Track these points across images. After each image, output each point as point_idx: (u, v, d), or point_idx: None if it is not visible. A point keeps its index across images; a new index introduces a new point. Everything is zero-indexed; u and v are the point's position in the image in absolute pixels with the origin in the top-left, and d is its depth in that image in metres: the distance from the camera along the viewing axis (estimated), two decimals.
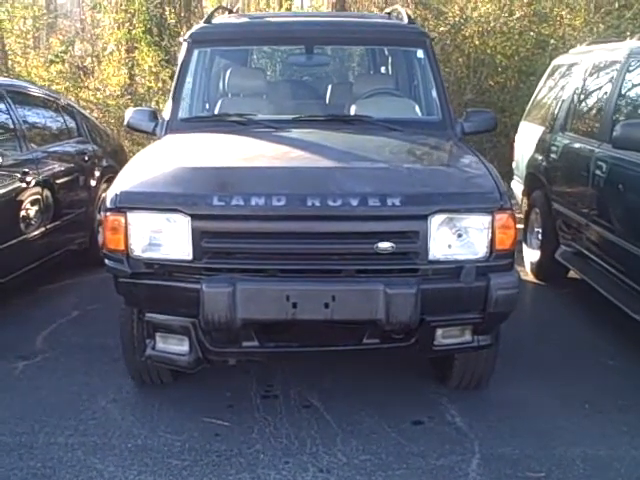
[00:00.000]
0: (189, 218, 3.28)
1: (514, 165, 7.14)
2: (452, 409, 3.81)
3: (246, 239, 3.32)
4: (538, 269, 6.06)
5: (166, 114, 4.55)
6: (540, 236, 6.09)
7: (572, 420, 3.70)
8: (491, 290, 3.36)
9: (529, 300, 5.59)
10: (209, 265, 3.32)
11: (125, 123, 4.70)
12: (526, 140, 6.76)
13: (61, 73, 12.08)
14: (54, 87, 11.77)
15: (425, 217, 3.32)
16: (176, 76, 4.73)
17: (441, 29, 10.64)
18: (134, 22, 12.30)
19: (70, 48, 12.72)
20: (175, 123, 4.48)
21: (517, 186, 6.88)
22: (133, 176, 3.57)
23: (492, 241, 3.40)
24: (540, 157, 6.16)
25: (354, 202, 3.28)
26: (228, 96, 5.25)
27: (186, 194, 3.36)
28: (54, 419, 3.65)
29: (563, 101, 6.06)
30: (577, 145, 5.46)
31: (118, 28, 12.54)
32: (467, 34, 10.62)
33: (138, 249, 3.38)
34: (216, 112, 4.72)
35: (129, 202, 3.38)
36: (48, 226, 5.47)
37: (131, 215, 3.36)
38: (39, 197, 5.35)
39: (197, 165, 3.64)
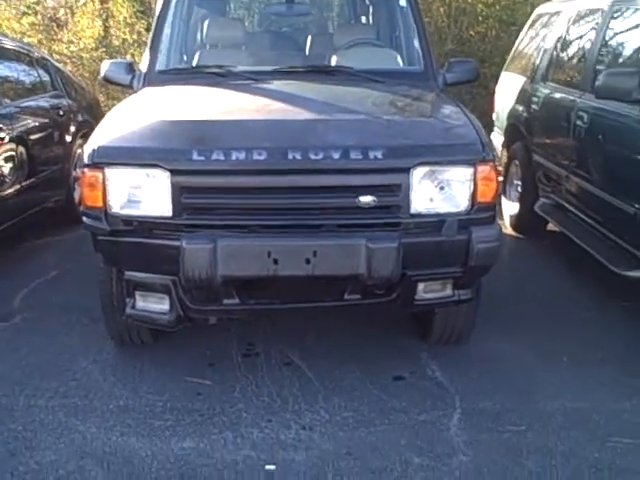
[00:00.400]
0: (169, 173, 3.20)
1: (494, 116, 7.07)
2: (433, 364, 3.81)
3: (227, 194, 3.25)
4: (517, 222, 6.05)
5: (143, 66, 4.43)
6: (519, 189, 6.06)
7: (552, 374, 3.72)
8: (472, 243, 3.32)
9: (508, 254, 5.56)
10: (189, 222, 3.26)
11: (101, 76, 4.58)
12: (507, 91, 6.69)
13: (34, 25, 11.79)
14: (26, 40, 11.51)
15: (407, 170, 3.26)
16: (153, 26, 4.60)
17: None
18: None
19: None
20: (153, 75, 4.36)
21: (497, 138, 6.83)
22: (110, 131, 3.47)
23: (474, 194, 3.35)
24: (521, 108, 6.11)
25: (336, 155, 3.22)
26: (206, 47, 5.13)
27: (165, 149, 3.27)
28: (34, 381, 3.61)
29: (545, 50, 5.98)
30: (558, 95, 5.40)
31: None
32: None
33: (117, 206, 3.30)
34: (194, 64, 4.61)
35: (107, 157, 3.29)
36: (23, 183, 5.34)
37: (109, 171, 3.27)
38: (13, 154, 5.22)
39: (176, 119, 3.54)
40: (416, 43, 4.60)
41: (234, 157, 3.20)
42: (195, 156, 3.20)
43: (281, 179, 3.24)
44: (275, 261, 3.20)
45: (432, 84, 4.38)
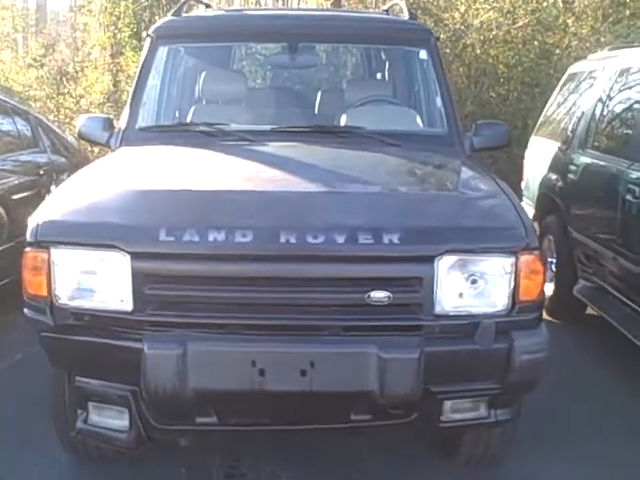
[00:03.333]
0: (129, 257, 2.51)
1: (523, 185, 6.36)
2: None
3: (201, 285, 2.54)
4: (552, 305, 5.24)
5: (122, 122, 3.77)
6: (554, 267, 5.30)
7: None
8: (514, 353, 2.59)
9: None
10: (154, 318, 2.55)
11: (76, 132, 3.94)
12: (538, 157, 5.98)
13: (40, 78, 11.32)
14: (32, 93, 11.04)
15: (431, 259, 2.55)
16: (136, 77, 3.94)
17: (441, 36, 9.90)
18: (119, 25, 11.59)
19: (51, 52, 11.95)
20: (131, 133, 3.68)
21: (527, 209, 6.10)
22: (63, 201, 2.78)
23: (515, 290, 2.63)
24: (555, 177, 5.39)
25: (340, 238, 2.51)
26: (202, 102, 4.48)
27: (126, 225, 2.58)
28: None
29: (582, 113, 5.28)
30: (602, 164, 4.69)
31: (103, 32, 11.83)
32: (468, 42, 9.90)
33: (64, 295, 2.60)
34: (184, 120, 3.95)
35: (53, 235, 2.60)
36: None
37: (55, 252, 2.57)
38: None
39: (145, 188, 2.85)
40: (438, 101, 3.91)
41: (211, 238, 2.50)
42: (163, 236, 2.50)
43: (271, 268, 2.52)
44: (261, 372, 2.46)
45: (458, 149, 3.68)
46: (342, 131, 3.71)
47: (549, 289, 5.30)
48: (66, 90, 11.39)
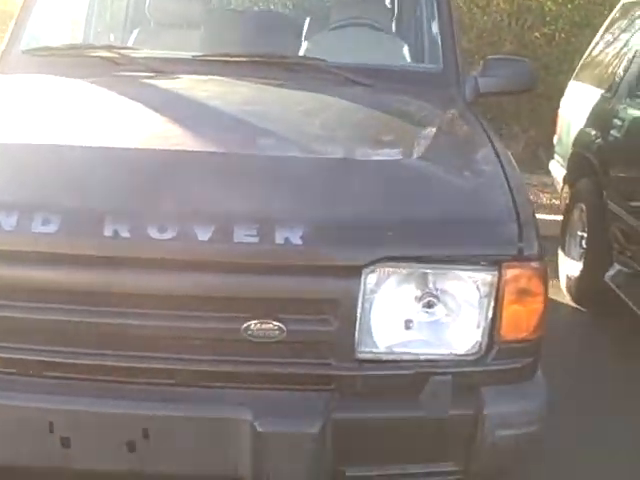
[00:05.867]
0: None
1: (555, 139, 5.10)
2: None
3: None
4: (578, 289, 4.11)
5: (4, 43, 2.72)
6: (584, 244, 4.13)
7: None
8: (484, 427, 1.54)
9: (567, 339, 3.63)
10: None
11: None
12: (575, 106, 4.73)
13: None
14: None
15: (355, 271, 1.49)
16: None
17: None
18: None
19: None
20: (12, 57, 2.64)
21: (557, 169, 4.89)
22: None
23: (495, 322, 1.56)
24: (594, 132, 4.15)
25: (203, 233, 1.47)
26: (150, 24, 3.37)
27: None
28: None
29: (635, 54, 4.03)
30: None
31: None
32: None
33: None
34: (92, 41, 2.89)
35: None
36: None
37: None
38: None
39: None
40: (435, 29, 2.75)
41: None
42: None
43: (85, 276, 1.49)
44: (65, 442, 1.46)
45: (453, 93, 2.53)
46: (293, 63, 2.57)
47: (576, 269, 4.16)
48: None
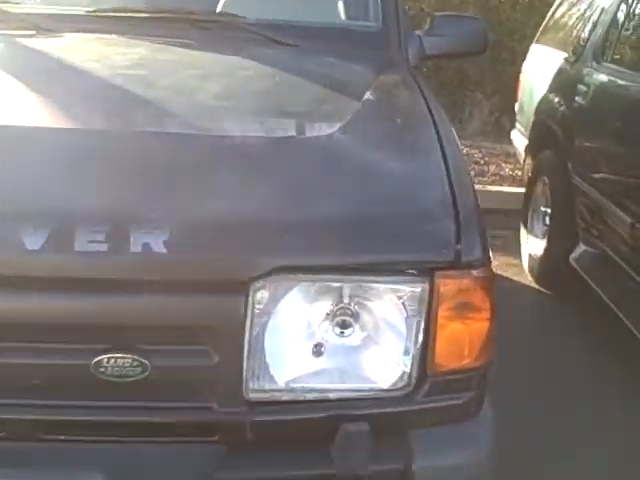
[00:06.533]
0: None
1: (517, 107, 4.75)
2: None
3: None
4: (541, 270, 3.77)
5: None
6: (547, 220, 3.78)
7: None
8: None
9: (526, 326, 3.29)
10: None
11: None
12: (537, 71, 4.38)
13: None
14: None
15: (241, 286, 1.11)
16: None
17: None
18: None
19: None
20: None
21: (519, 138, 4.53)
22: None
23: (425, 347, 1.20)
24: (557, 99, 3.79)
25: (33, 239, 1.09)
26: None
27: None
28: None
29: (600, 16, 3.66)
30: (623, 83, 3.13)
31: None
32: None
33: None
34: None
35: None
36: None
37: None
38: None
39: None
40: None
41: None
42: None
43: None
44: None
45: (394, 55, 2.15)
46: (203, 20, 2.16)
47: (539, 248, 3.83)
48: None
